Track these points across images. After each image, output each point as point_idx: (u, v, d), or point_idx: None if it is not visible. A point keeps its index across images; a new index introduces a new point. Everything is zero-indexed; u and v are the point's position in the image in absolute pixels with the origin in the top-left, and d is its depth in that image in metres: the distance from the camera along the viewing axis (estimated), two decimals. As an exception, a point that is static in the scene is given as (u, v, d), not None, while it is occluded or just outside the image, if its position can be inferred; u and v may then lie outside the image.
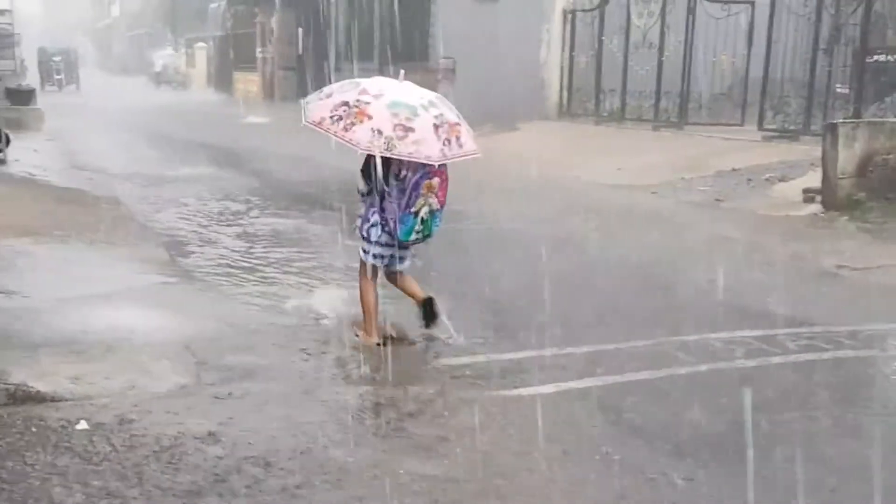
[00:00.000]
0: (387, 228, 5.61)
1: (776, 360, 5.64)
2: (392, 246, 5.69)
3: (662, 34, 17.33)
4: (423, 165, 5.38)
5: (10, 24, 26.62)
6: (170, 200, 11.61)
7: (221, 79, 40.86)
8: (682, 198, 12.07)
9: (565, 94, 20.33)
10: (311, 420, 4.52)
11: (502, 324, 6.33)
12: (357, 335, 5.81)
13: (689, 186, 12.64)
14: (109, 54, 72.32)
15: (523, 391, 5.05)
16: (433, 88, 21.27)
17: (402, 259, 5.84)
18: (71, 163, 15.22)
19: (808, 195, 10.71)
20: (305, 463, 4.02)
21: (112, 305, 6.32)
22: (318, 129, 5.35)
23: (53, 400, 4.58)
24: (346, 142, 5.23)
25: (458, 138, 5.46)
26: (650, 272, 7.96)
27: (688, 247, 9.08)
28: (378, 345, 5.69)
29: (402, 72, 5.78)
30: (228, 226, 10.07)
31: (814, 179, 10.94)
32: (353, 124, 5.22)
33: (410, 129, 5.22)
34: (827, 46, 14.41)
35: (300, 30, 31.87)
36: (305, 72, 31.14)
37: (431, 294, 5.93)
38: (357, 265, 5.98)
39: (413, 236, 5.62)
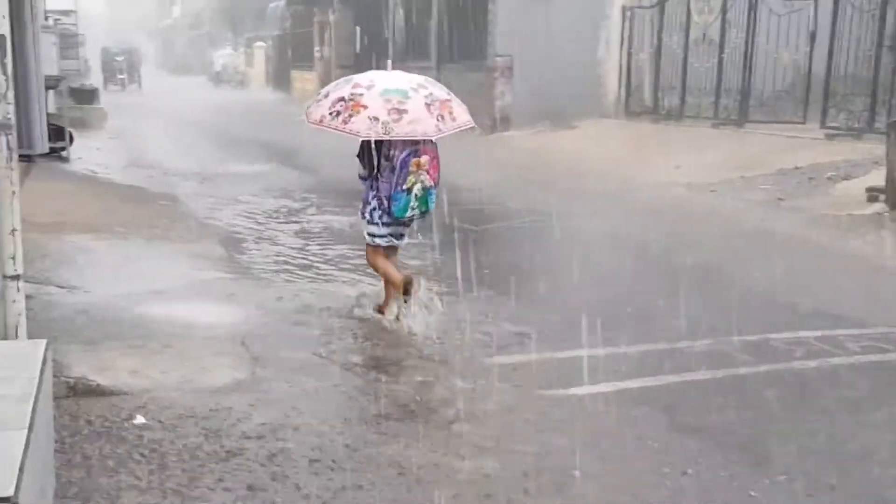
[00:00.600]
0: (383, 207, 5.93)
1: (837, 361, 5.53)
2: (392, 225, 6.03)
3: (723, 30, 17.09)
4: (410, 143, 5.74)
5: (74, 24, 27.13)
6: (228, 197, 11.74)
7: (279, 78, 41.24)
8: (742, 196, 11.89)
9: (623, 91, 20.15)
10: (365, 416, 4.53)
11: (555, 321, 6.28)
12: (381, 312, 6.12)
13: (749, 185, 12.45)
14: (170, 54, 73.46)
15: (577, 390, 5.00)
16: (490, 86, 21.41)
17: (400, 236, 6.19)
18: (132, 160, 15.47)
19: (872, 194, 10.48)
20: (359, 460, 4.02)
21: (170, 301, 6.40)
22: (320, 127, 5.75)
23: (112, 393, 4.64)
24: (348, 133, 5.61)
25: (450, 113, 5.80)
26: (709, 271, 7.85)
27: (747, 246, 8.95)
28: (397, 318, 6.03)
29: (390, 62, 6.12)
30: (285, 223, 10.15)
31: (878, 178, 10.70)
32: (350, 116, 5.59)
33: (404, 112, 5.59)
34: (892, 43, 14.09)
35: (358, 28, 32.03)
36: (362, 70, 31.27)
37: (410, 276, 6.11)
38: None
39: (409, 212, 5.93)
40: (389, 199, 5.87)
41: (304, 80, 36.74)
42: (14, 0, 9.35)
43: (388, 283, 6.12)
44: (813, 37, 15.73)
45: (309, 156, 16.44)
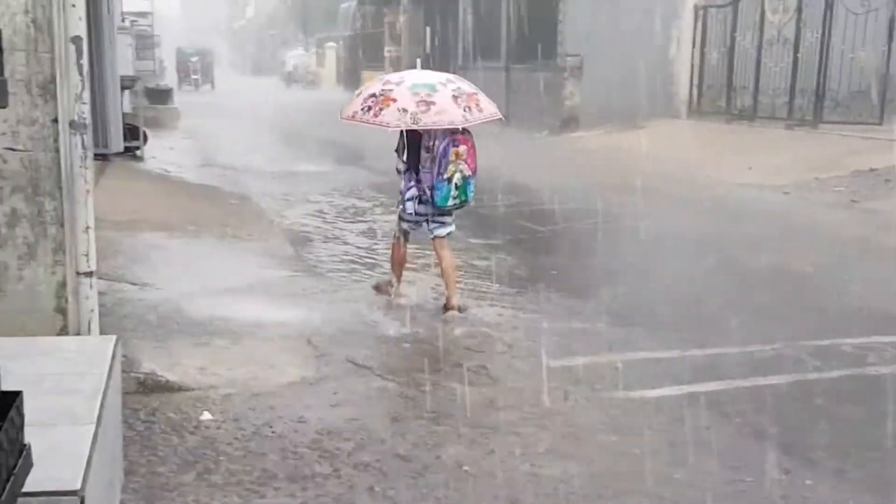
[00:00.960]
0: (424, 198, 6.23)
1: (912, 367, 5.38)
2: (424, 215, 6.34)
3: (798, 30, 16.75)
4: (449, 133, 6.03)
5: (150, 25, 27.66)
6: (297, 196, 11.86)
7: (350, 78, 41.54)
8: (816, 198, 11.65)
9: (695, 91, 19.86)
10: (430, 417, 4.53)
11: (622, 323, 6.21)
12: (389, 291, 6.59)
13: (822, 186, 12.19)
14: (243, 54, 74.49)
15: (645, 393, 4.94)
16: (560, 86, 21.26)
17: (443, 224, 6.41)
18: (204, 159, 15.71)
19: (952, 197, 10.19)
20: (427, 462, 4.02)
21: (239, 298, 6.49)
22: (352, 122, 6.14)
23: (181, 389, 4.73)
24: (378, 125, 5.98)
25: (477, 105, 6.10)
26: (780, 273, 7.71)
27: (820, 248, 8.76)
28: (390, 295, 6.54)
29: (419, 60, 6.33)
30: (353, 222, 10.22)
31: (958, 180, 10.40)
32: (381, 110, 5.96)
33: (432, 103, 5.91)
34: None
35: (428, 29, 32.15)
36: (433, 70, 31.39)
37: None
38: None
39: (451, 202, 6.21)
40: (432, 188, 6.14)
41: (374, 79, 36.92)
42: (91, 2, 9.57)
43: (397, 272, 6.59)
44: (891, 36, 15.35)
45: (377, 156, 16.46)
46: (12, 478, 1.68)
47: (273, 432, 4.23)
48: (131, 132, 13.34)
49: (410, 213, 6.35)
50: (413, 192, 6.27)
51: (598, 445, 4.28)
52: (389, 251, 6.75)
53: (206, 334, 5.62)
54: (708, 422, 4.58)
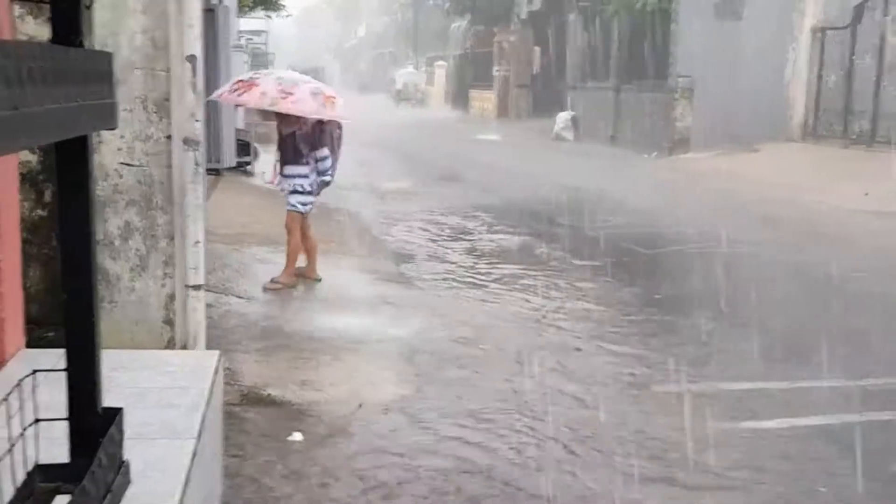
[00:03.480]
0: (324, 179, 7.51)
1: None
2: (316, 193, 7.60)
3: (921, 53, 16.17)
4: (338, 125, 7.57)
5: (264, 43, 28.36)
6: (402, 214, 11.94)
7: (458, 97, 41.80)
8: (937, 227, 11.17)
9: (811, 114, 19.33)
10: (535, 443, 4.46)
11: (727, 351, 6.04)
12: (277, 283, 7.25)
13: (945, 215, 11.69)
14: (353, 72, 75.71)
15: (750, 424, 4.78)
16: (670, 107, 20.94)
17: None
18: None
19: None
20: (524, 486, 3.96)
21: (341, 314, 6.55)
22: (219, 99, 7.60)
23: (282, 404, 4.77)
24: (238, 103, 7.75)
25: (332, 105, 7.24)
26: (882, 300, 7.40)
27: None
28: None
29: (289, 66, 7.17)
30: (456, 241, 10.22)
31: None
32: (244, 91, 7.21)
33: (290, 94, 7.10)
34: None
35: (538, 49, 32.12)
36: (541, 90, 31.36)
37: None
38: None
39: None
40: (333, 168, 7.55)
41: (482, 98, 37.10)
42: (208, 21, 9.83)
43: (309, 250, 7.52)
44: None
45: (483, 174, 16.55)
46: (109, 494, 1.70)
47: (370, 450, 4.22)
48: (243, 148, 13.65)
49: (311, 193, 7.47)
50: (314, 175, 7.45)
51: (698, 475, 4.14)
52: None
53: (309, 350, 5.67)
54: (814, 457, 4.40)
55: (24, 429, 1.67)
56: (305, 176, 7.39)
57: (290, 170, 7.43)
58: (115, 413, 1.80)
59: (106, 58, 1.76)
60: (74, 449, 1.73)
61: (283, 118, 7.40)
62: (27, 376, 1.73)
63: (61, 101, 1.38)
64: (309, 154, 7.42)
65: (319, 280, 7.46)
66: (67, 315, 1.71)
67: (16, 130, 1.18)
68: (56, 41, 1.63)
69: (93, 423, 1.73)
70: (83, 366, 1.72)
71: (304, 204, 7.41)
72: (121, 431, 1.82)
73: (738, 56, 19.14)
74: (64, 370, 1.72)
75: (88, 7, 1.69)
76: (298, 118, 7.27)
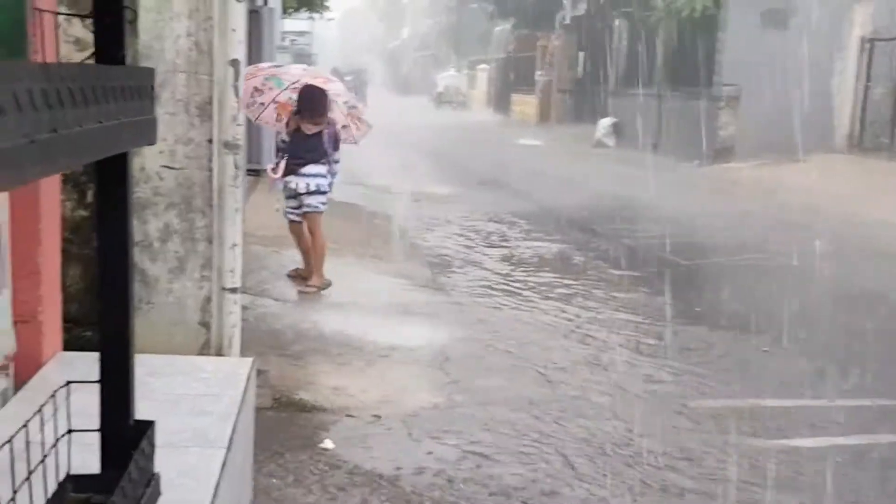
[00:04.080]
0: (334, 179, 7.69)
1: None
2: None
3: (972, 66, 15.92)
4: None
5: (308, 44, 28.53)
6: (438, 219, 11.93)
7: (500, 100, 41.78)
8: (984, 245, 10.97)
9: (857, 126, 19.10)
10: (563, 457, 4.43)
11: (768, 367, 5.98)
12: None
13: None
14: (396, 74, 75.89)
15: (788, 442, 4.73)
16: (715, 116, 20.86)
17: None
18: (350, 177, 15.94)
19: None
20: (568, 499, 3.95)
21: (375, 320, 6.56)
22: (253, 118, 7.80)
23: (314, 409, 4.78)
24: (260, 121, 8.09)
25: (286, 112, 7.53)
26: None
27: None
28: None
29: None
30: (493, 247, 10.19)
31: None
32: (259, 112, 7.77)
33: (261, 92, 7.61)
34: None
35: (581, 53, 31.99)
36: (583, 95, 31.24)
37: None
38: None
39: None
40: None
41: (523, 103, 37.05)
42: (253, 22, 9.90)
43: (308, 251, 7.50)
44: None
45: (522, 180, 16.51)
46: (140, 506, 1.71)
47: (397, 458, 4.22)
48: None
49: (328, 192, 7.61)
50: (331, 176, 7.58)
51: (735, 491, 4.10)
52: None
53: (343, 355, 5.69)
54: (852, 478, 4.33)
55: (57, 440, 1.69)
56: (324, 176, 7.41)
57: (310, 169, 7.35)
58: (147, 426, 1.81)
59: (147, 73, 1.77)
60: (106, 460, 1.74)
61: (308, 117, 7.30)
62: (61, 388, 1.75)
63: (102, 120, 1.39)
64: (333, 154, 7.45)
65: (323, 281, 7.40)
66: (103, 329, 1.73)
67: (55, 153, 1.19)
68: (99, 56, 1.64)
69: (124, 436, 1.75)
70: (117, 378, 1.74)
71: (323, 203, 7.45)
72: (152, 444, 1.83)
73: (784, 65, 18.93)
74: (97, 381, 1.74)
75: (132, 22, 1.70)
76: (327, 118, 7.34)
